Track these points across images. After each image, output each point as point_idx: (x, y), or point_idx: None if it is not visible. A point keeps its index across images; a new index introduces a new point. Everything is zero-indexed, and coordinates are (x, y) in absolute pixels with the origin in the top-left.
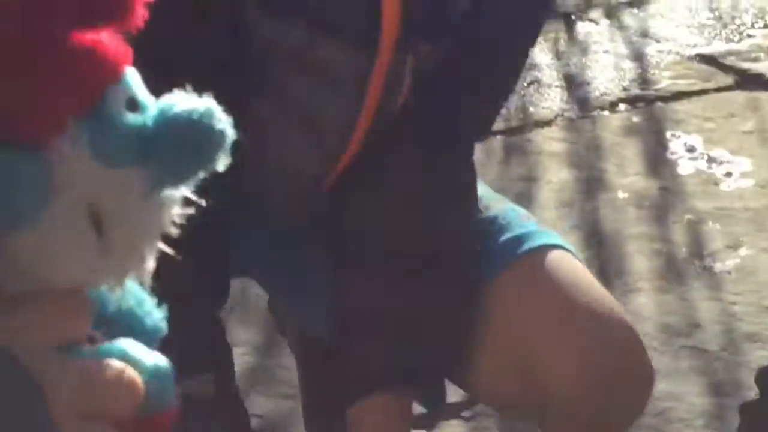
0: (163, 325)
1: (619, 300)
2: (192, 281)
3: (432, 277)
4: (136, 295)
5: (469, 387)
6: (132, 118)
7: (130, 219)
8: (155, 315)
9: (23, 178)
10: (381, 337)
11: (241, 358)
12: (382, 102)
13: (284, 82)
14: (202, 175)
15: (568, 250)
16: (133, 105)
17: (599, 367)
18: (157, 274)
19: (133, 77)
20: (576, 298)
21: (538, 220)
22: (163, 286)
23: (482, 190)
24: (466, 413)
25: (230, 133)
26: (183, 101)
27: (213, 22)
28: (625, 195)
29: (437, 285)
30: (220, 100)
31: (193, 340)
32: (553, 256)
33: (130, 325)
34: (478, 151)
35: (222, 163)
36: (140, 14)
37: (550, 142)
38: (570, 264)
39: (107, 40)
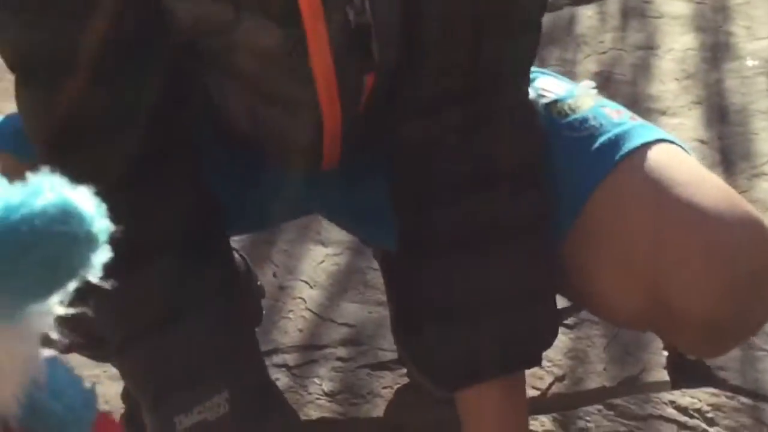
0: (90, 410)
1: (743, 186)
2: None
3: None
4: (55, 384)
5: (588, 307)
6: None
7: None
8: (77, 400)
9: None
10: (472, 320)
11: (332, 259)
12: (342, 70)
13: (237, 62)
14: (69, 283)
15: (673, 143)
16: None
17: (728, 274)
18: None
19: None
20: (691, 198)
21: (657, 94)
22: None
23: (564, 87)
24: (569, 321)
25: (99, 229)
26: (32, 196)
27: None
28: (755, 63)
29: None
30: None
31: (199, 360)
32: (657, 153)
33: (44, 420)
34: (592, 16)
35: (97, 262)
36: None
37: (672, 2)
38: (679, 159)
39: None
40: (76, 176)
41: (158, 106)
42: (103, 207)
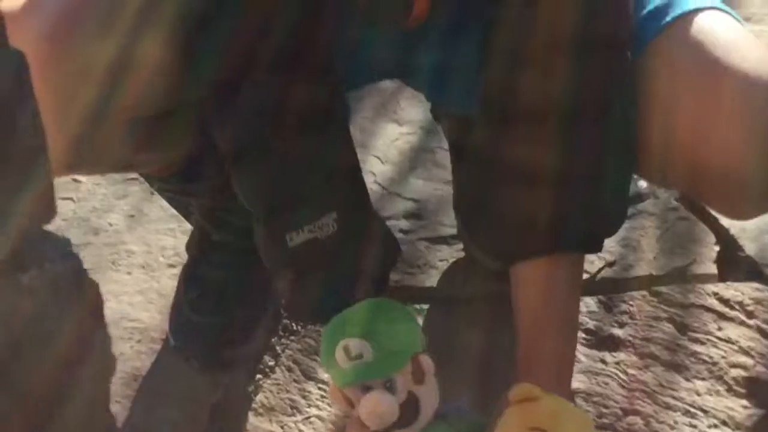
0: None
1: None
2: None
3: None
4: None
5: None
6: None
7: None
8: None
9: None
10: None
11: (405, 138)
12: None
13: None
14: None
15: (725, 12)
16: None
17: (757, 130)
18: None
19: None
20: (735, 62)
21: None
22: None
23: None
24: None
25: None
26: None
27: None
28: None
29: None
30: None
31: (312, 180)
32: (706, 18)
33: None
34: None
35: None
36: None
37: None
38: (727, 25)
39: None
40: None
41: None
42: None
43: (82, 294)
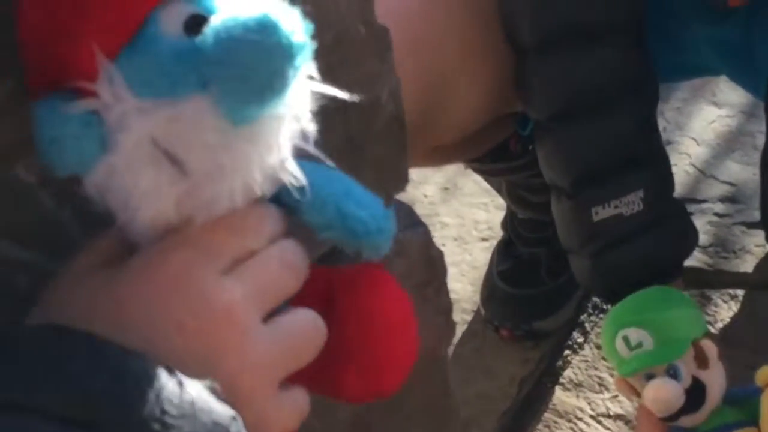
0: (392, 222)
1: None
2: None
3: None
4: (358, 197)
5: None
6: (183, 42)
7: (203, 145)
8: (380, 212)
9: (69, 130)
10: None
11: (723, 120)
12: None
13: None
14: (281, 90)
15: None
16: (196, 22)
17: None
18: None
19: None
20: None
21: None
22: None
23: None
24: None
25: (300, 40)
26: (245, 11)
27: None
28: None
29: None
30: None
31: (622, 156)
32: None
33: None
34: None
35: (298, 72)
36: None
37: None
38: None
39: None
40: None
41: None
42: (309, 26)
43: (430, 263)
